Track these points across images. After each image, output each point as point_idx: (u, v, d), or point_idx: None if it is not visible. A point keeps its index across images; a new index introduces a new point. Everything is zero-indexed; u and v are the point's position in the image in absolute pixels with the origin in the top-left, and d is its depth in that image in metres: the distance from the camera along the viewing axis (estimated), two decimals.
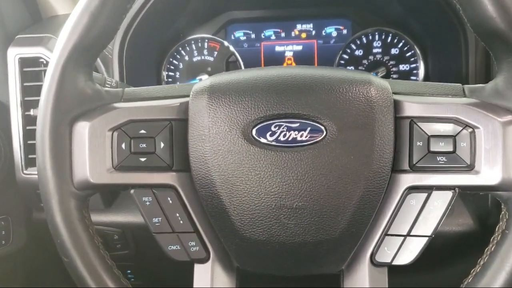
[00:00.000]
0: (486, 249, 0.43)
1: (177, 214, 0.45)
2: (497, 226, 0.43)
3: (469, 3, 0.41)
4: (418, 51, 0.78)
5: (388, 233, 0.44)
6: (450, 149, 0.43)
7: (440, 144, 0.43)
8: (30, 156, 0.68)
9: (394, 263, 0.44)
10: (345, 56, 0.80)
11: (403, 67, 0.80)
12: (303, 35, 0.83)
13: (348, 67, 0.80)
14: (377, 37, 0.80)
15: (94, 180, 0.44)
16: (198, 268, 0.47)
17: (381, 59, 0.80)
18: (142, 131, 0.45)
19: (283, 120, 0.43)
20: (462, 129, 0.42)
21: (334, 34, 0.82)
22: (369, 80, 0.44)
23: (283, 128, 0.43)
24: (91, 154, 0.44)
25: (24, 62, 0.68)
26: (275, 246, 0.44)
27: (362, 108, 0.43)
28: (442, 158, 0.43)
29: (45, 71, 0.69)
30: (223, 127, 0.43)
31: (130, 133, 0.45)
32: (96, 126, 0.44)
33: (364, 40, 0.80)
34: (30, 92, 0.68)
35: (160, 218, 0.45)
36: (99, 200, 0.70)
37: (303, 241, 0.44)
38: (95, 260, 0.45)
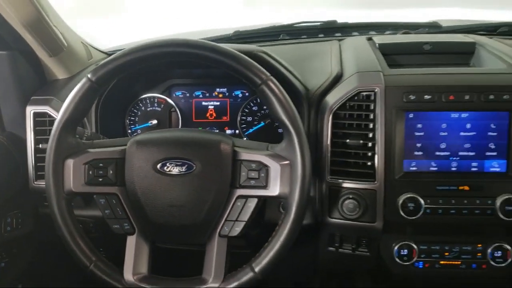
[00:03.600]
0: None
1: (118, 209, 0.84)
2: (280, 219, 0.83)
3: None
4: None
5: (227, 219, 0.82)
6: (257, 177, 0.81)
7: (252, 174, 0.82)
8: (38, 173, 1.07)
9: (230, 235, 0.83)
10: (246, 110, 1.20)
11: None
12: (220, 95, 1.21)
13: (248, 117, 1.20)
14: None
15: (75, 190, 0.83)
16: (129, 238, 0.86)
17: (268, 112, 1.20)
18: (101, 164, 0.84)
19: (173, 160, 0.82)
20: (262, 167, 0.82)
21: (240, 95, 1.21)
22: (221, 139, 0.84)
23: (173, 165, 0.82)
24: (74, 176, 0.83)
25: (36, 115, 1.07)
26: (169, 227, 0.83)
27: (216, 155, 0.82)
28: (253, 182, 0.82)
29: (49, 120, 1.09)
30: (142, 163, 0.82)
31: (94, 165, 0.83)
32: (77, 162, 0.83)
33: (259, 100, 1.21)
34: (40, 133, 1.07)
35: (109, 211, 0.84)
36: (81, 202, 1.10)
37: (184, 224, 0.83)
38: (75, 232, 0.84)
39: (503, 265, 0.98)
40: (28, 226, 1.12)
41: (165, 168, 0.82)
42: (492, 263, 0.98)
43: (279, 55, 1.16)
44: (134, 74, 1.14)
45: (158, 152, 0.82)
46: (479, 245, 0.99)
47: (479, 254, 0.99)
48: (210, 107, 1.22)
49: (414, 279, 1.08)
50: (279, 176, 0.81)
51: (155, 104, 1.22)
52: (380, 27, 1.47)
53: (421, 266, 1.00)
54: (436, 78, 0.97)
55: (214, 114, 1.22)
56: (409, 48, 1.17)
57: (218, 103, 1.22)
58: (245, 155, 0.83)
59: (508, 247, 0.97)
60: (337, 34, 1.47)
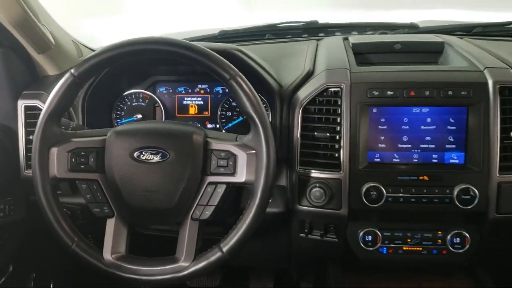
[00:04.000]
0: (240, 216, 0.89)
1: (98, 193, 0.91)
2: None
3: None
4: (267, 104, 1.25)
5: (199, 204, 0.89)
6: (225, 165, 0.88)
7: (221, 162, 0.89)
8: (28, 163, 1.14)
9: (201, 218, 0.90)
10: (226, 105, 1.26)
11: None
12: (202, 91, 1.28)
13: (227, 112, 1.27)
14: None
15: (59, 176, 0.90)
16: (108, 221, 0.93)
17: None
18: (83, 153, 0.91)
19: (149, 149, 0.88)
20: (230, 156, 0.89)
21: (221, 91, 1.27)
22: (194, 131, 0.90)
23: (149, 153, 0.89)
24: (58, 163, 0.90)
25: (27, 108, 1.14)
26: (145, 211, 0.90)
27: (188, 145, 0.89)
28: (222, 169, 0.88)
29: (39, 113, 1.16)
30: (120, 151, 0.89)
31: (76, 153, 0.90)
32: (60, 150, 0.90)
33: None
34: (30, 125, 1.14)
35: (90, 195, 0.91)
36: (69, 190, 1.17)
37: (158, 208, 0.90)
38: (59, 215, 0.91)
39: (461, 251, 1.04)
40: (20, 213, 1.19)
41: (141, 156, 0.89)
42: (452, 249, 1.04)
43: (258, 53, 1.23)
44: (120, 71, 1.21)
45: (135, 141, 0.89)
46: (439, 232, 1.05)
47: (439, 241, 1.05)
48: (192, 102, 1.29)
49: (380, 264, 1.14)
50: (245, 164, 0.87)
51: (140, 100, 1.29)
52: (361, 28, 1.53)
53: (385, 252, 1.07)
54: (398, 75, 1.03)
55: (196, 109, 1.29)
56: (380, 47, 1.23)
57: (199, 99, 1.29)
58: (215, 145, 0.90)
59: (466, 234, 1.04)
60: (320, 34, 1.54)
